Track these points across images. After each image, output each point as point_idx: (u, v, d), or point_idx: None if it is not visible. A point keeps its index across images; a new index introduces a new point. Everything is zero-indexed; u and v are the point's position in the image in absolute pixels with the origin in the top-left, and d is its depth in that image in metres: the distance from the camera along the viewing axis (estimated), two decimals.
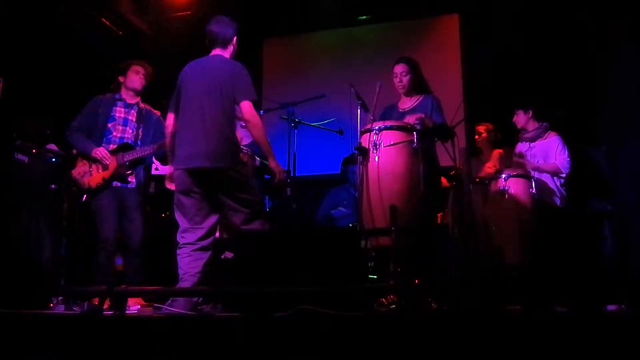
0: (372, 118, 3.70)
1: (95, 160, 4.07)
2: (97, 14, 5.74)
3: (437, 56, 6.04)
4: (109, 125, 4.18)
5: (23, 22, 4.94)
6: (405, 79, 3.99)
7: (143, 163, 4.26)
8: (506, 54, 5.66)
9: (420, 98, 4.00)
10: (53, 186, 4.22)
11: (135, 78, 4.28)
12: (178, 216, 3.48)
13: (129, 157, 4.13)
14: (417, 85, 4.03)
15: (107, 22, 5.85)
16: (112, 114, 4.21)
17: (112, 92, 4.31)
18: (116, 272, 4.18)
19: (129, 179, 4.14)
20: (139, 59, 4.41)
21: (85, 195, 4.06)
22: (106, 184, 4.06)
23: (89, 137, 4.14)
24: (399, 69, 4.02)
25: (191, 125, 3.45)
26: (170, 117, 3.62)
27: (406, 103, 4.05)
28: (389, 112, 4.08)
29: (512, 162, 4.70)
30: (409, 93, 4.04)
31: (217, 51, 3.63)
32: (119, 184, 4.11)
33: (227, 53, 3.64)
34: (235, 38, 3.65)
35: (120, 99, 4.26)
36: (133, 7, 6.05)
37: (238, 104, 3.45)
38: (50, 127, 4.56)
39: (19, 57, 4.84)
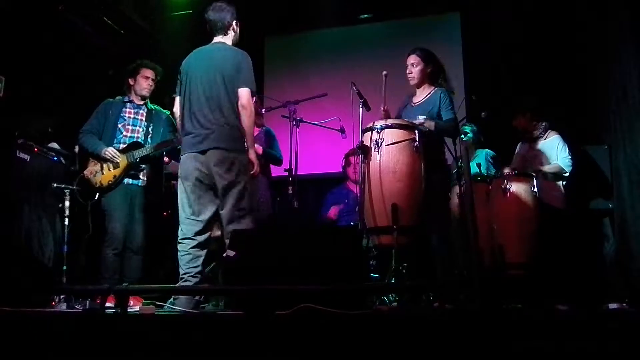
0: (383, 109, 3.68)
1: (105, 160, 4.17)
2: (99, 13, 5.74)
3: (439, 54, 6.00)
4: (119, 125, 4.29)
5: (24, 21, 4.94)
6: (415, 70, 3.91)
7: (153, 160, 4.32)
8: (507, 53, 5.65)
9: (431, 92, 3.90)
10: (55, 185, 4.22)
11: (145, 84, 4.37)
12: (180, 203, 3.49)
13: (139, 154, 4.21)
14: (431, 77, 3.93)
15: (109, 21, 5.85)
16: (121, 114, 4.32)
17: (121, 95, 4.41)
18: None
19: (140, 177, 4.24)
20: (147, 60, 4.47)
21: (97, 194, 4.15)
22: (117, 181, 4.17)
23: (100, 139, 4.24)
24: (410, 59, 3.94)
25: (195, 113, 3.47)
26: (177, 100, 3.65)
27: (418, 96, 3.97)
28: (404, 105, 4.03)
29: (516, 161, 4.71)
30: (420, 85, 3.94)
31: (218, 38, 3.64)
32: (130, 181, 4.21)
33: (228, 39, 3.64)
34: (234, 22, 3.64)
35: (130, 101, 4.37)
36: (134, 6, 6.05)
37: (237, 89, 3.47)
38: (52, 126, 4.58)
39: (21, 55, 4.84)
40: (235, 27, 3.66)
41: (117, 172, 4.16)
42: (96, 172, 4.16)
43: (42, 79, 5.00)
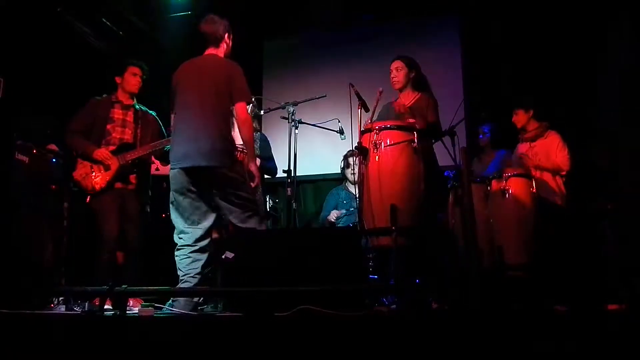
0: (368, 121, 3.72)
1: (96, 162, 4.08)
2: (98, 14, 5.74)
3: (438, 56, 6.03)
4: (108, 127, 4.20)
5: (24, 22, 4.94)
6: (400, 75, 4.05)
7: (144, 163, 4.27)
8: (506, 54, 5.66)
9: (417, 97, 4.02)
10: (54, 186, 4.21)
11: (133, 81, 4.31)
12: (174, 216, 3.48)
13: (130, 156, 4.14)
14: (415, 84, 4.07)
15: (108, 22, 5.85)
16: (110, 115, 4.23)
17: (107, 94, 4.33)
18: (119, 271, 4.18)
19: (131, 180, 4.17)
20: (135, 59, 4.42)
21: (89, 197, 4.07)
22: (110, 184, 4.08)
23: (88, 139, 4.15)
24: (394, 64, 4.09)
25: (186, 125, 3.45)
26: (173, 118, 3.63)
27: (403, 101, 4.06)
28: (386, 110, 4.10)
29: (515, 161, 4.71)
30: (403, 89, 4.07)
31: (210, 50, 3.64)
32: (120, 185, 4.13)
33: (220, 51, 3.64)
34: (226, 35, 3.65)
35: (117, 101, 4.29)
36: (133, 7, 6.05)
37: (234, 104, 3.47)
38: (51, 127, 4.56)
39: (20, 56, 4.84)
40: (227, 39, 3.66)
41: (109, 174, 4.07)
42: (86, 174, 4.06)
43: (41, 80, 4.99)
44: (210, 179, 3.38)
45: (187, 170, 3.40)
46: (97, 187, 4.06)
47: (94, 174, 4.07)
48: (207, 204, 3.46)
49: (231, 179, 3.41)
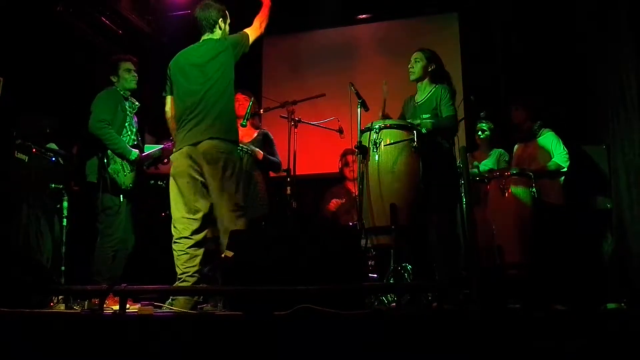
0: (382, 115, 3.71)
1: (131, 162, 4.09)
2: (97, 13, 5.73)
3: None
4: (126, 124, 4.18)
5: (23, 21, 4.93)
6: (417, 66, 3.93)
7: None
8: (505, 53, 5.66)
9: (432, 89, 3.89)
10: (53, 185, 4.21)
11: (129, 77, 4.24)
12: (174, 201, 3.47)
13: (145, 159, 4.19)
14: (433, 76, 3.93)
15: (107, 21, 5.84)
16: (126, 111, 4.20)
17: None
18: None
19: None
20: (126, 55, 4.37)
21: (121, 196, 4.08)
22: (135, 184, 4.14)
23: None
24: (414, 55, 3.98)
25: (189, 110, 3.47)
26: (168, 100, 3.66)
27: (420, 95, 3.97)
28: (407, 104, 4.04)
29: (512, 162, 4.71)
30: (420, 81, 3.95)
31: (206, 36, 3.65)
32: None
33: (215, 37, 3.64)
34: (220, 19, 3.64)
35: (127, 97, 4.25)
36: (133, 6, 6.04)
37: (249, 36, 3.63)
38: (50, 126, 4.56)
39: (19, 55, 4.83)
40: (221, 24, 3.66)
41: (133, 174, 4.13)
42: (119, 171, 4.06)
43: (41, 79, 4.98)
44: (211, 159, 3.37)
45: (189, 150, 3.41)
46: (128, 185, 4.09)
47: (125, 172, 4.08)
48: (203, 191, 3.45)
49: (229, 165, 3.40)
